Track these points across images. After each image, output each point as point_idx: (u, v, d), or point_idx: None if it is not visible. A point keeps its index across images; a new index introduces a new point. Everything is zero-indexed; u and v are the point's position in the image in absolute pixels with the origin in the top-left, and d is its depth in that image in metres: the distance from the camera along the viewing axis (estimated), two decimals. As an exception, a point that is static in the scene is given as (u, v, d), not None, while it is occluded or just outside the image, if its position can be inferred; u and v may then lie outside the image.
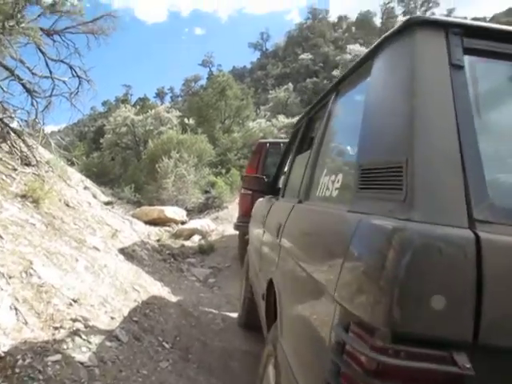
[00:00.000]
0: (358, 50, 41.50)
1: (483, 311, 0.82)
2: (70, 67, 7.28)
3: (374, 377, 0.84)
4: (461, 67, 1.14)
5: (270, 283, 2.27)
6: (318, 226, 1.44)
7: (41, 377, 2.33)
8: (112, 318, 3.40)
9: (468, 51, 1.18)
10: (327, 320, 1.09)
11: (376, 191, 1.11)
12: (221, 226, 10.54)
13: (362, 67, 1.69)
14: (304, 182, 2.10)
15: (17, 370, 2.28)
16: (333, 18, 76.26)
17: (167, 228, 9.63)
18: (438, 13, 60.85)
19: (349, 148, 1.71)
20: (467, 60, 1.18)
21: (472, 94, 1.12)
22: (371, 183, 1.15)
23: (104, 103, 63.39)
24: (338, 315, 1.02)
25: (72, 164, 9.06)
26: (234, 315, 4.94)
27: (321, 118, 2.27)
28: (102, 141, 26.43)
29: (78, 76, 7.40)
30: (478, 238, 0.85)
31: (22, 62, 6.82)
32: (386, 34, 1.41)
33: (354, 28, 68.36)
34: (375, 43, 1.50)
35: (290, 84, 46.67)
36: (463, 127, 1.01)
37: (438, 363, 0.82)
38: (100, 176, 19.54)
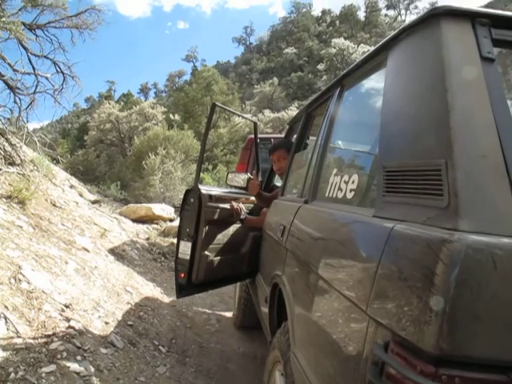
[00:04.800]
0: (342, 43, 41.53)
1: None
2: (54, 63, 7.02)
3: None
4: (492, 60, 1.07)
5: (275, 287, 2.18)
6: (338, 232, 1.35)
7: (35, 390, 2.20)
8: (106, 323, 3.28)
9: (497, 43, 1.11)
10: (357, 335, 1.01)
11: (406, 196, 1.02)
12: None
13: (373, 60, 1.61)
14: (309, 182, 2.02)
15: (9, 384, 2.14)
16: (316, 11, 76.56)
17: (155, 226, 9.44)
18: (421, 7, 61.23)
19: (363, 146, 1.62)
20: (497, 52, 1.11)
21: (505, 88, 1.05)
22: (400, 187, 1.06)
23: (87, 99, 62.81)
24: (372, 332, 0.94)
25: (57, 162, 8.82)
26: (229, 314, 4.86)
27: (323, 114, 2.18)
28: (86, 138, 26.05)
29: (62, 72, 7.16)
30: None
31: (3, 58, 6.57)
32: (405, 24, 1.33)
33: (337, 22, 68.46)
34: (392, 34, 1.42)
35: (275, 78, 46.63)
36: (501, 124, 0.94)
37: None
38: (85, 174, 19.19)
